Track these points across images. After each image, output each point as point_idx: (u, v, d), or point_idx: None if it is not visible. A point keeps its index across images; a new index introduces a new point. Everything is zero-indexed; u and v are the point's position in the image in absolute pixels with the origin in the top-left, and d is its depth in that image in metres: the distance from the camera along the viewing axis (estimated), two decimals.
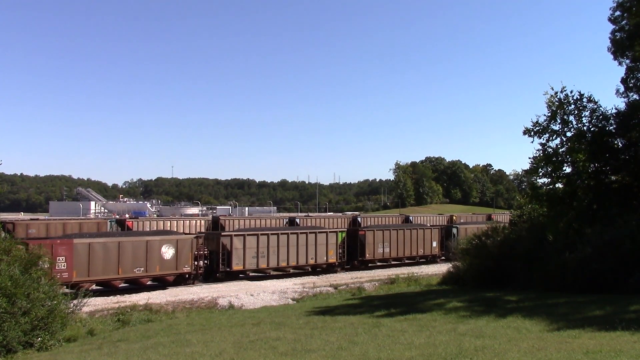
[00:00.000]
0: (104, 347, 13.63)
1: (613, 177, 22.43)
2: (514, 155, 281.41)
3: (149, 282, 26.97)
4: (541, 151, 22.07)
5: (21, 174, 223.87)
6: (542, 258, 20.38)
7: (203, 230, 48.08)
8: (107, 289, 25.85)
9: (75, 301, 16.75)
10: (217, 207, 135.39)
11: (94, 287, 24.90)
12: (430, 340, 10.93)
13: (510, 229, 25.07)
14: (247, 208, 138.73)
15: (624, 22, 23.38)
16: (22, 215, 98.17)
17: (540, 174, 22.40)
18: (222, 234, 30.00)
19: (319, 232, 33.28)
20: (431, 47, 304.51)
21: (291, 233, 32.06)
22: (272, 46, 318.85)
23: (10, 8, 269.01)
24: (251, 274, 30.49)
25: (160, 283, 27.36)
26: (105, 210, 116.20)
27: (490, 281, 22.10)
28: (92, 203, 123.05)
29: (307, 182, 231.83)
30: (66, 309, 15.92)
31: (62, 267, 23.42)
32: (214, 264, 28.71)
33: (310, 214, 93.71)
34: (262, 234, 30.61)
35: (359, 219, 62.38)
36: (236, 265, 29.02)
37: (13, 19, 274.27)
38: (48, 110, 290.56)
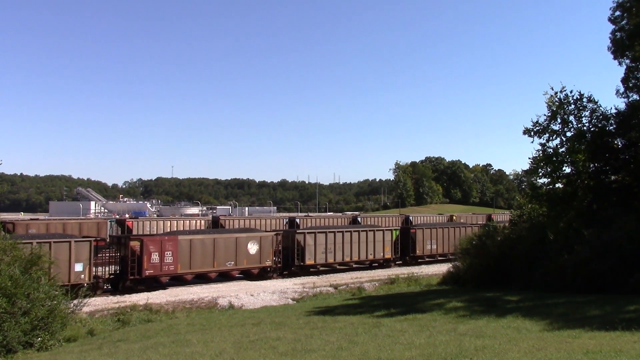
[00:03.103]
0: (104, 347, 13.63)
1: (613, 177, 22.42)
2: (514, 155, 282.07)
3: (237, 275, 29.35)
4: (541, 151, 22.09)
5: (21, 174, 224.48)
6: (542, 258, 20.37)
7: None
8: (203, 280, 28.13)
9: (75, 301, 16.77)
10: (217, 207, 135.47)
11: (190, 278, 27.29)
12: (430, 340, 10.93)
13: (510, 229, 25.07)
14: (247, 208, 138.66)
15: (624, 22, 23.35)
16: (22, 215, 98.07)
17: (540, 174, 22.40)
18: (297, 231, 32.48)
19: (377, 230, 35.77)
20: (431, 47, 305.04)
21: (354, 231, 34.62)
22: (272, 46, 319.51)
23: (10, 8, 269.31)
24: (320, 268, 33.04)
25: (246, 276, 29.72)
26: (105, 210, 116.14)
27: (490, 281, 22.11)
28: (92, 203, 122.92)
29: (307, 182, 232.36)
30: (66, 309, 15.91)
31: (169, 261, 25.94)
32: (289, 259, 31.15)
33: (310, 214, 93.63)
34: (329, 232, 33.35)
35: (359, 219, 62.30)
36: (309, 260, 31.67)
37: (13, 19, 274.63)
38: (48, 110, 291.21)
